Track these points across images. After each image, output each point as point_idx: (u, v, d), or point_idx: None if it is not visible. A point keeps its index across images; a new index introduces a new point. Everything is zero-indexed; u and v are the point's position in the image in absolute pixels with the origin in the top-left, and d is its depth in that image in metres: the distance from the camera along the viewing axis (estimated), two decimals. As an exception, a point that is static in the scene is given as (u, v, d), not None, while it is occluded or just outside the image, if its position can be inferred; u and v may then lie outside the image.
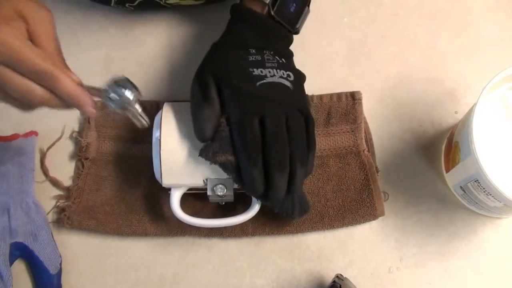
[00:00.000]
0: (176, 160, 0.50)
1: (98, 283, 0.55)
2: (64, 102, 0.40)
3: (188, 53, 0.63)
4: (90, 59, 0.63)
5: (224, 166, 0.48)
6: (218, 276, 0.55)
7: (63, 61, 0.41)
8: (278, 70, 0.49)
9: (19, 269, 0.55)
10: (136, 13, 0.64)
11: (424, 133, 0.59)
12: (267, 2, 0.50)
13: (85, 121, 0.60)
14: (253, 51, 0.49)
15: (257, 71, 0.48)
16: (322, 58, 0.62)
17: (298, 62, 0.53)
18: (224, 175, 0.49)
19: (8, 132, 0.59)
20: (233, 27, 0.51)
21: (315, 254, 0.55)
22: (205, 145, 0.48)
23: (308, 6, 0.54)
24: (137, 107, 0.42)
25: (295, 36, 0.55)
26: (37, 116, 0.60)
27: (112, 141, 0.59)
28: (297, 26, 0.53)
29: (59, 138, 0.60)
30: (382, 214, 0.55)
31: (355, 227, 0.55)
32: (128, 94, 0.41)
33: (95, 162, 0.59)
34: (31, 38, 0.39)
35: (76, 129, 0.60)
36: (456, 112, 0.59)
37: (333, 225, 0.55)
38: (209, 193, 0.51)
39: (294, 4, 0.52)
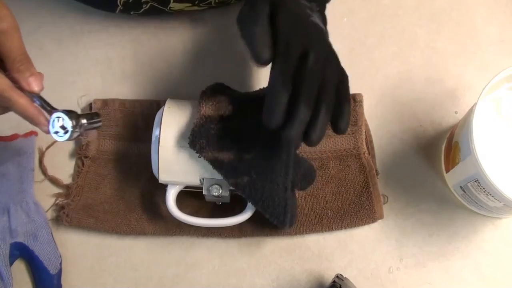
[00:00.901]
0: (174, 157, 0.50)
1: (98, 283, 0.55)
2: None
3: (187, 53, 0.63)
4: (90, 59, 0.63)
5: (211, 163, 0.48)
6: (218, 276, 0.55)
7: (30, 68, 0.42)
8: (319, 18, 0.47)
9: (19, 269, 0.55)
10: (137, 15, 0.64)
11: (424, 133, 0.59)
12: None
13: (85, 120, 0.60)
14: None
15: (308, 9, 0.46)
16: (322, 58, 0.62)
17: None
18: (220, 176, 0.49)
19: (8, 132, 0.59)
20: None
21: (315, 254, 0.55)
22: (193, 137, 0.48)
23: None
24: (77, 131, 0.44)
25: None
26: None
27: (113, 139, 0.59)
28: None
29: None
30: (381, 217, 0.55)
31: (355, 227, 0.56)
32: (65, 134, 0.43)
33: (95, 161, 0.59)
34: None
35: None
36: (456, 112, 0.59)
37: (332, 227, 0.55)
38: (204, 192, 0.51)
39: None
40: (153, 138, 0.51)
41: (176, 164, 0.50)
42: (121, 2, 0.58)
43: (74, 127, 0.43)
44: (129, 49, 0.64)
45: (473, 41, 0.62)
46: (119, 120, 0.60)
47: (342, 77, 0.45)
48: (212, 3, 0.60)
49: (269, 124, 0.40)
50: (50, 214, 0.57)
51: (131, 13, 0.61)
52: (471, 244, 0.55)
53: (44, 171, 0.59)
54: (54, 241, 0.55)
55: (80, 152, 0.59)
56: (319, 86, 0.41)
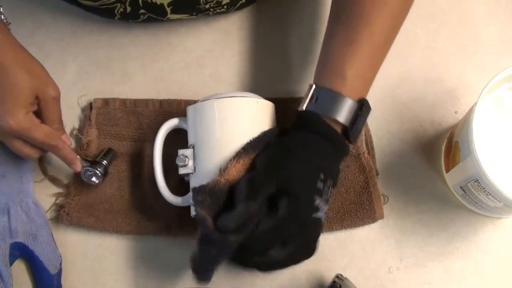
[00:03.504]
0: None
1: (98, 283, 0.55)
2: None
3: (187, 53, 0.63)
4: (90, 59, 0.63)
5: (198, 219, 0.45)
6: (218, 276, 0.55)
7: (63, 128, 0.55)
8: (325, 206, 0.47)
9: (19, 269, 0.55)
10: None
11: (424, 133, 0.59)
12: (345, 124, 0.47)
13: (86, 118, 0.60)
14: (322, 176, 0.46)
15: (316, 202, 0.45)
16: (322, 58, 0.62)
17: (298, 62, 0.53)
18: None
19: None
20: (310, 137, 0.47)
21: (315, 254, 0.55)
22: (201, 188, 0.46)
23: None
24: (103, 173, 0.57)
25: (294, 37, 0.54)
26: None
27: (113, 139, 0.59)
28: (356, 138, 0.50)
29: (59, 138, 0.60)
30: (381, 217, 0.55)
31: (355, 227, 0.55)
32: (93, 182, 0.57)
33: (95, 161, 0.59)
34: (41, 112, 0.52)
35: (77, 126, 0.60)
36: (456, 112, 0.59)
37: (332, 228, 0.55)
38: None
39: (362, 119, 0.49)
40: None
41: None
42: (119, 12, 0.58)
43: (103, 174, 0.56)
44: (129, 49, 0.64)
45: (473, 41, 0.62)
46: (119, 120, 0.60)
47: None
48: (210, 13, 0.61)
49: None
50: (50, 214, 0.57)
51: (129, 21, 0.62)
52: (471, 244, 0.55)
53: (43, 171, 0.59)
54: (54, 241, 0.55)
55: (80, 152, 0.59)
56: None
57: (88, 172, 0.55)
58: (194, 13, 0.60)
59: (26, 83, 0.50)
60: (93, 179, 0.56)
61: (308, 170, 0.45)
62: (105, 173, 0.57)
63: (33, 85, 0.50)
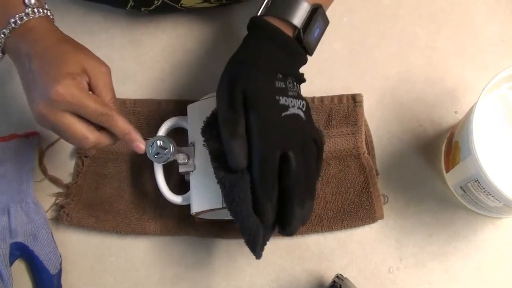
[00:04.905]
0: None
1: (98, 283, 0.55)
2: (114, 139, 0.48)
3: (187, 53, 0.63)
4: (90, 59, 0.63)
5: (211, 155, 0.47)
6: (218, 276, 0.55)
7: (117, 108, 0.48)
8: (297, 100, 0.47)
9: (19, 269, 0.55)
10: (137, 14, 0.64)
11: (424, 133, 0.59)
12: (298, 25, 0.48)
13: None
14: (280, 76, 0.47)
15: (282, 100, 0.46)
16: (322, 58, 0.62)
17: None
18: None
19: (7, 132, 0.59)
20: (259, 45, 0.48)
21: (315, 254, 0.55)
22: (205, 127, 0.47)
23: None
24: (172, 158, 0.49)
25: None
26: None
27: (113, 139, 0.59)
28: (314, 50, 0.52)
29: (59, 138, 0.60)
30: (381, 217, 0.55)
31: (355, 227, 0.55)
32: (164, 156, 0.48)
33: (95, 160, 0.59)
34: (92, 89, 0.47)
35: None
36: (456, 112, 0.59)
37: (332, 228, 0.55)
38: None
39: (318, 29, 0.50)
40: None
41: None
42: None
43: (173, 151, 0.48)
44: (129, 49, 0.64)
45: (473, 41, 0.62)
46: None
47: (320, 152, 0.49)
48: (224, 0, 0.60)
49: (263, 223, 0.46)
50: (50, 214, 0.57)
51: (142, 9, 0.61)
52: (471, 244, 0.55)
53: (44, 171, 0.59)
54: (54, 241, 0.55)
55: (80, 152, 0.59)
56: (303, 184, 0.45)
57: (154, 143, 0.48)
58: None
59: (72, 55, 0.46)
60: (159, 152, 0.48)
61: (261, 74, 0.46)
62: (173, 154, 0.49)
63: (80, 58, 0.46)
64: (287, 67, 0.48)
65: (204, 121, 0.48)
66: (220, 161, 0.46)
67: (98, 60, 0.48)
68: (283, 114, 0.46)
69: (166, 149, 0.48)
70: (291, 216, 0.45)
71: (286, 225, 0.45)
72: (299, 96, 0.48)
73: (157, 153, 0.48)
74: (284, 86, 0.47)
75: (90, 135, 0.46)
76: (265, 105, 0.45)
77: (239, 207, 0.45)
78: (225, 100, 0.45)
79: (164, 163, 0.49)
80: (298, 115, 0.47)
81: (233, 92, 0.45)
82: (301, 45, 0.49)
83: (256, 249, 0.46)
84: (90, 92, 0.47)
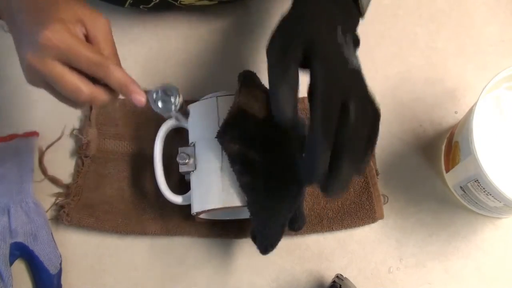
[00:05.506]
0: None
1: (98, 283, 0.55)
2: (112, 95, 0.43)
3: (187, 52, 0.63)
4: (90, 59, 0.63)
5: (232, 157, 0.46)
6: (218, 276, 0.55)
7: (119, 62, 0.44)
8: (354, 59, 0.44)
9: (19, 269, 0.55)
10: (136, 13, 0.64)
11: (424, 133, 0.59)
12: None
13: (86, 118, 0.60)
14: (340, 31, 0.44)
15: (345, 53, 0.43)
16: (322, 58, 0.62)
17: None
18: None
19: (7, 132, 0.59)
20: (316, 1, 0.44)
21: (315, 254, 0.55)
22: (224, 128, 0.47)
23: None
24: (178, 114, 0.44)
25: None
26: (38, 116, 0.61)
27: (113, 139, 0.59)
28: (365, 11, 0.49)
29: (59, 138, 0.60)
30: (381, 217, 0.55)
31: (355, 227, 0.55)
32: (171, 104, 0.43)
33: (95, 160, 0.59)
34: (90, 42, 0.42)
35: (77, 126, 0.60)
36: (456, 112, 0.59)
37: (332, 227, 0.55)
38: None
39: None
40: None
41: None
42: None
43: (180, 97, 0.43)
44: (129, 49, 0.64)
45: (473, 41, 0.62)
46: (119, 120, 0.60)
47: (377, 116, 0.44)
48: None
49: (310, 181, 0.40)
50: (50, 214, 0.57)
51: (141, 7, 0.60)
52: (471, 244, 0.55)
53: (44, 171, 0.59)
54: (54, 241, 0.55)
55: (80, 152, 0.59)
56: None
57: (157, 93, 0.44)
58: None
59: (65, 4, 0.42)
60: (162, 101, 0.44)
61: (324, 26, 0.43)
62: (178, 107, 0.44)
63: (75, 8, 0.42)
64: (345, 23, 0.45)
65: (217, 121, 0.46)
66: (244, 165, 0.45)
67: (96, 11, 0.44)
68: (348, 66, 0.43)
69: (172, 95, 0.43)
70: (337, 171, 0.39)
71: (329, 182, 0.39)
72: (357, 57, 0.45)
73: (163, 101, 0.43)
74: (343, 41, 0.44)
75: (84, 87, 0.41)
76: (331, 53, 0.42)
77: (264, 213, 0.44)
78: (279, 48, 0.41)
79: (174, 113, 0.43)
80: (361, 72, 0.44)
81: (290, 44, 0.40)
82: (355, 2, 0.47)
83: (266, 253, 0.46)
84: (84, 40, 0.42)
